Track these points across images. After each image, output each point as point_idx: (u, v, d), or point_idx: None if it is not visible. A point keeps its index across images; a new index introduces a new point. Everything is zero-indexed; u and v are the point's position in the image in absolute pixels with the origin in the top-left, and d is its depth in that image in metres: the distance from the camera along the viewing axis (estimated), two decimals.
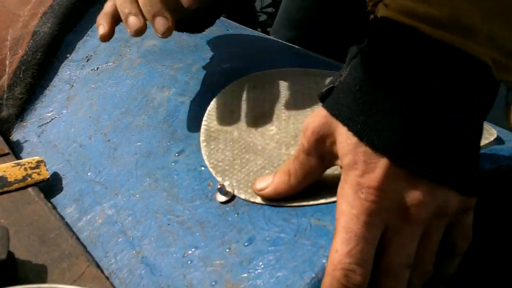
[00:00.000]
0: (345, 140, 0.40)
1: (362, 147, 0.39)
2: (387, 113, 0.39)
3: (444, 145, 0.39)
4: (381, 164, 0.39)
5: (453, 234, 0.42)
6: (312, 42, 0.80)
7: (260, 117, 0.53)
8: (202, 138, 0.53)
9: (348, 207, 0.39)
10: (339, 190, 0.40)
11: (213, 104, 0.56)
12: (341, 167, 0.41)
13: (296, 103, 0.53)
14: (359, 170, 0.39)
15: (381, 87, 0.39)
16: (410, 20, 0.39)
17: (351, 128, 0.40)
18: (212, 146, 0.52)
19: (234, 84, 0.58)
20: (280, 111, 0.53)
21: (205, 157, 0.51)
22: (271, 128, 0.51)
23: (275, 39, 0.78)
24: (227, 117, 0.54)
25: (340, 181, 0.41)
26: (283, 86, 0.56)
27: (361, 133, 0.39)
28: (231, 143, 0.51)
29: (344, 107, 0.40)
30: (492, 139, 0.47)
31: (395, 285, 0.40)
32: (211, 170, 0.50)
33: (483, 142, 0.46)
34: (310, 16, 0.92)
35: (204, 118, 0.55)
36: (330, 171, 0.45)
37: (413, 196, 0.39)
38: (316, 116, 0.42)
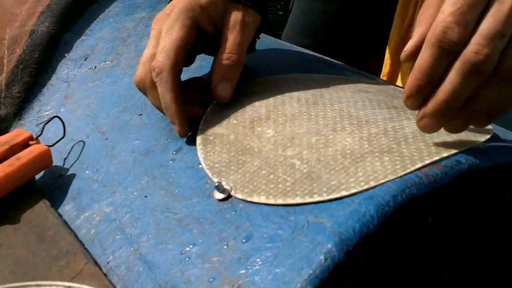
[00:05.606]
0: None
1: None
2: None
3: None
4: None
5: None
6: (329, 49, 0.80)
7: (257, 121, 0.53)
8: (198, 141, 0.53)
9: None
10: None
11: (209, 110, 0.56)
12: None
13: (293, 108, 0.53)
14: None
15: None
16: None
17: None
18: (209, 149, 0.52)
19: None
20: (277, 116, 0.53)
21: (201, 159, 0.51)
22: (268, 131, 0.51)
23: (276, 39, 0.78)
24: (224, 122, 0.54)
25: None
26: (281, 92, 0.56)
27: None
28: (227, 146, 0.51)
29: None
30: (489, 136, 0.47)
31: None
32: (207, 171, 0.50)
33: (481, 139, 0.47)
34: (329, 22, 0.93)
35: (201, 123, 0.55)
36: (327, 169, 0.45)
37: None
38: None
